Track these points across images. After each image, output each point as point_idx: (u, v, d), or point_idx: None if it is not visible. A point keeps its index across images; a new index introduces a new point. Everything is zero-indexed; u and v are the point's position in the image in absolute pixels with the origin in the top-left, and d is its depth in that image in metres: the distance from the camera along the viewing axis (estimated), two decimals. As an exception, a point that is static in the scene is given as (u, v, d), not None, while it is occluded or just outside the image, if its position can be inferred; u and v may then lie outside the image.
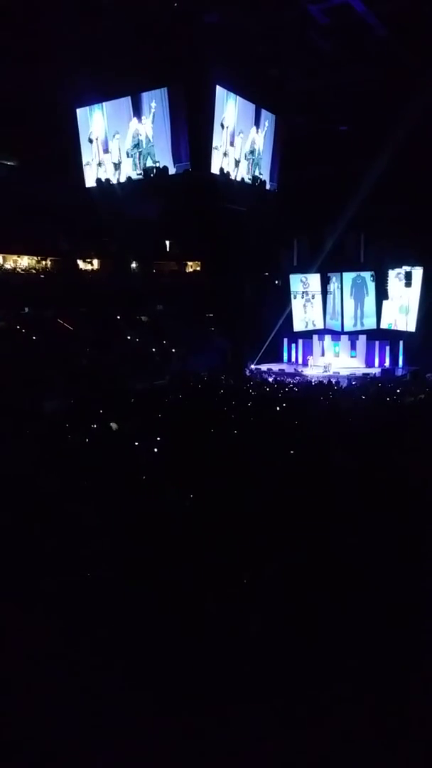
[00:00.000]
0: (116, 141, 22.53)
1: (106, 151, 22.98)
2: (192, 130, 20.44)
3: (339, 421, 12.96)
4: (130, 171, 22.55)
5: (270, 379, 25.80)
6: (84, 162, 23.52)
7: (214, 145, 20.77)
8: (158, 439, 10.64)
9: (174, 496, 6.79)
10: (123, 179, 22.84)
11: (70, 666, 3.83)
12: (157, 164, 21.41)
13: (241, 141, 22.32)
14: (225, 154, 21.65)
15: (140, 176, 22.10)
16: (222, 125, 20.99)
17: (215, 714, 3.35)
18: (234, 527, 5.56)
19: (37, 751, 3.21)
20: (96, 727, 3.32)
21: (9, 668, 3.81)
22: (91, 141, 23.11)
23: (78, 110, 22.79)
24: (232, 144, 21.91)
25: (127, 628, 4.21)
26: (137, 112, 21.42)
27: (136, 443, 10.35)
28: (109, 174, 23.13)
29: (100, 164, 23.28)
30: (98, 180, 23.28)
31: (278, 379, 25.58)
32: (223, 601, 4.42)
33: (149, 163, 21.74)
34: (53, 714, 3.40)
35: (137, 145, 22.20)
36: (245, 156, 22.85)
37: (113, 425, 11.79)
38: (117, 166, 22.87)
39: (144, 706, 3.44)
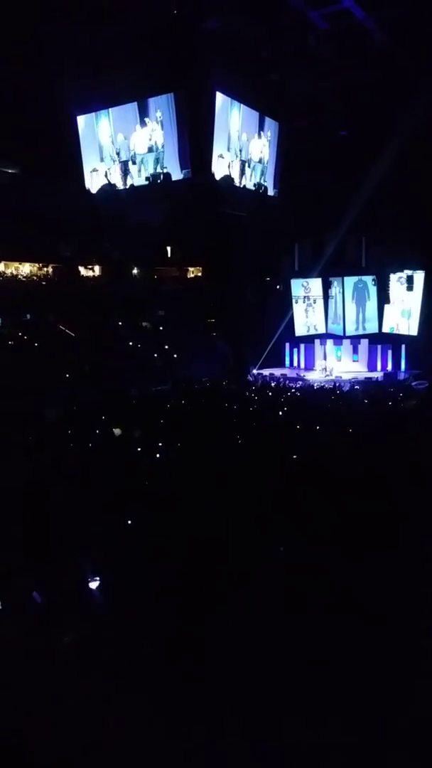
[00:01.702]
0: (121, 148, 22.59)
1: (112, 157, 23.03)
2: (192, 136, 20.53)
3: (341, 424, 12.92)
4: (135, 177, 22.62)
5: (272, 384, 25.78)
6: (90, 169, 23.58)
7: (218, 153, 20.87)
8: (161, 444, 10.63)
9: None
10: (128, 186, 22.89)
11: (70, 674, 3.81)
12: (165, 170, 21.48)
13: (244, 148, 22.40)
14: (230, 162, 21.75)
15: (146, 182, 22.15)
16: (226, 133, 21.10)
17: (212, 726, 3.32)
18: (237, 530, 5.54)
19: (36, 757, 3.19)
20: (94, 734, 3.29)
21: (10, 675, 3.79)
22: (99, 147, 23.17)
23: (84, 117, 22.86)
24: (235, 151, 22.02)
25: (126, 637, 4.18)
26: (143, 119, 21.49)
27: (139, 449, 10.34)
28: (114, 180, 23.19)
29: (106, 171, 23.32)
30: (103, 186, 23.34)
31: (280, 383, 25.55)
32: (224, 606, 4.39)
33: (157, 169, 21.80)
34: (52, 722, 3.38)
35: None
36: (249, 163, 22.93)
37: (116, 430, 11.78)
38: (122, 172, 22.92)
39: (141, 716, 3.41)
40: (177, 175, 21.30)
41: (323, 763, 3.16)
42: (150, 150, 21.78)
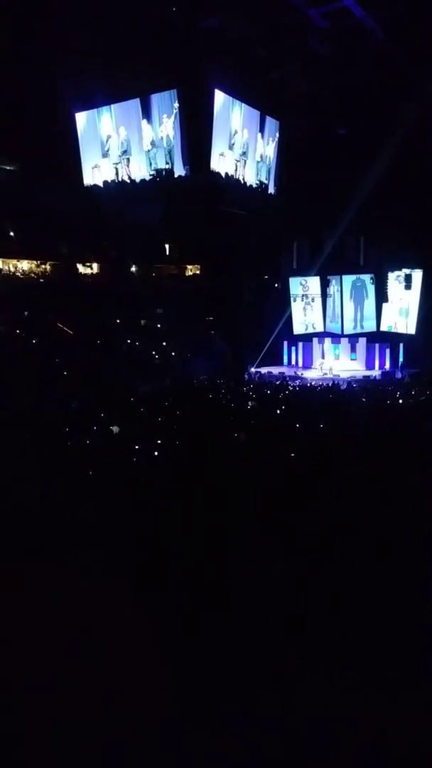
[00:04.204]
0: (124, 144, 22.55)
1: (115, 153, 22.98)
2: (190, 133, 20.54)
3: (339, 422, 12.96)
4: (137, 173, 22.60)
5: (269, 382, 25.80)
6: (92, 165, 23.50)
7: (219, 151, 20.87)
8: (159, 442, 10.65)
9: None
10: (129, 182, 22.85)
11: (70, 668, 3.83)
12: (168, 166, 21.47)
13: (245, 147, 22.39)
14: (231, 160, 21.76)
15: (149, 178, 22.15)
16: (227, 131, 21.09)
17: (214, 717, 3.35)
18: (235, 529, 5.56)
19: (34, 749, 3.20)
20: (95, 726, 3.31)
21: (11, 668, 3.81)
22: (101, 143, 23.12)
23: (85, 113, 22.80)
24: (237, 149, 22.02)
25: (127, 633, 4.20)
26: (146, 115, 21.43)
27: (137, 446, 10.35)
28: (115, 176, 23.13)
29: (110, 167, 23.25)
30: (105, 182, 23.27)
31: (277, 382, 25.59)
32: (224, 602, 4.41)
33: (161, 165, 21.77)
34: (51, 712, 3.40)
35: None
36: (250, 161, 22.92)
37: (114, 428, 11.79)
38: (125, 168, 22.88)
39: (143, 706, 3.43)
40: (180, 171, 21.30)
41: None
42: (153, 146, 21.73)
